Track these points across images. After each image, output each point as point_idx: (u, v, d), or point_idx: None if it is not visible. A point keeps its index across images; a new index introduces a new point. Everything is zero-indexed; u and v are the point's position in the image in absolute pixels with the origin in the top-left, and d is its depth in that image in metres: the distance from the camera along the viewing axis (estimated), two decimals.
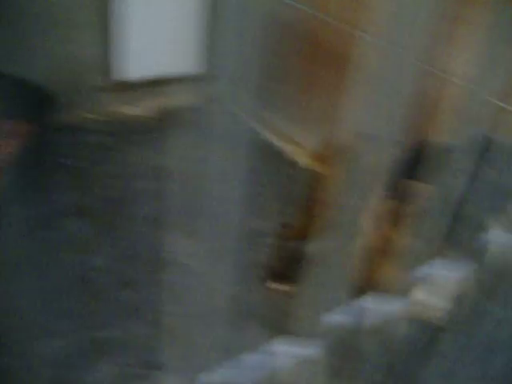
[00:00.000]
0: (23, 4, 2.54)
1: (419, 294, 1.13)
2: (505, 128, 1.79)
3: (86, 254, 2.24)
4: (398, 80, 2.29)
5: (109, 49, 2.98)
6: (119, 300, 2.09)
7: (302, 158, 3.16)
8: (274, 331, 2.05)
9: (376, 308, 1.15)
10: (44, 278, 2.06)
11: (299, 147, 3.20)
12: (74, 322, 1.94)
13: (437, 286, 1.12)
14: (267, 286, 2.23)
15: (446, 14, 2.07)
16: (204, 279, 2.27)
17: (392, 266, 1.53)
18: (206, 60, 3.56)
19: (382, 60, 2.54)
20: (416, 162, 1.44)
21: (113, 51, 3.00)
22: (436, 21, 2.03)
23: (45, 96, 2.33)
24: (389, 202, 1.59)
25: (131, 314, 2.04)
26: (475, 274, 1.08)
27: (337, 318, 1.12)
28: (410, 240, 1.51)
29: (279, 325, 2.10)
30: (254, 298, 2.20)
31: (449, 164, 1.44)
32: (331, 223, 1.48)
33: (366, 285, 1.43)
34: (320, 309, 1.23)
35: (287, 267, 2.25)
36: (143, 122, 3.32)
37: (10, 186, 2.14)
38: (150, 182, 2.80)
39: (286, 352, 1.05)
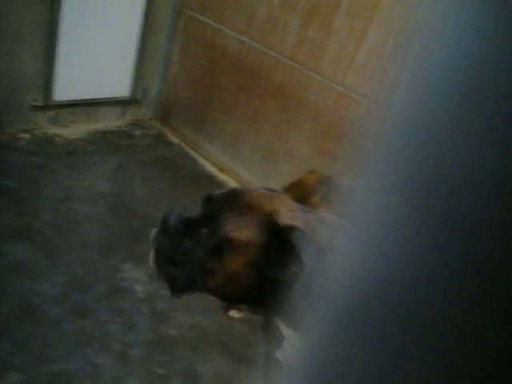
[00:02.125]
0: None
1: None
2: None
3: (34, 280, 2.11)
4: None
5: (47, 69, 2.86)
6: (76, 330, 1.99)
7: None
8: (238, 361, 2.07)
9: None
10: None
11: (234, 176, 3.27)
12: (31, 354, 1.82)
13: None
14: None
15: None
16: (156, 306, 2.23)
17: None
18: (137, 85, 3.54)
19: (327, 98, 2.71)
20: None
21: (51, 71, 2.88)
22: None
23: None
24: None
25: (90, 344, 1.95)
26: None
27: None
28: None
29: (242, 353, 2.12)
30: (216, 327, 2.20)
31: None
32: None
33: None
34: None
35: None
36: (74, 144, 3.21)
37: None
38: (88, 206, 2.70)
39: None
